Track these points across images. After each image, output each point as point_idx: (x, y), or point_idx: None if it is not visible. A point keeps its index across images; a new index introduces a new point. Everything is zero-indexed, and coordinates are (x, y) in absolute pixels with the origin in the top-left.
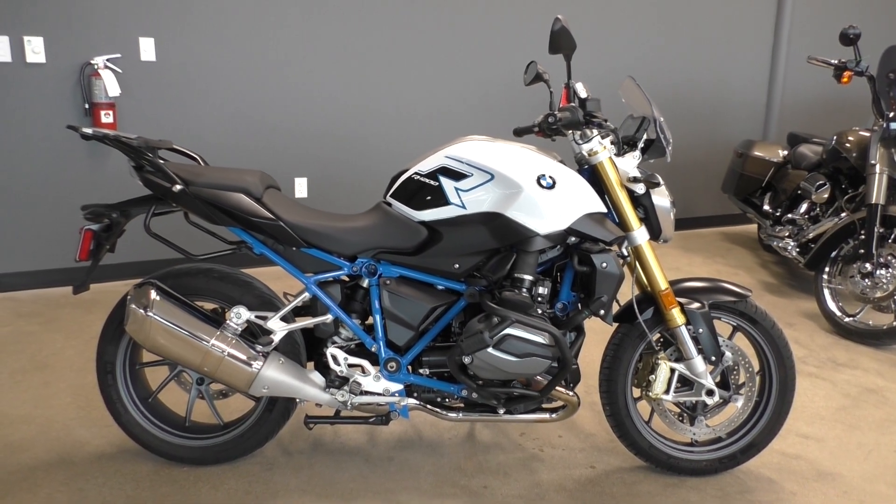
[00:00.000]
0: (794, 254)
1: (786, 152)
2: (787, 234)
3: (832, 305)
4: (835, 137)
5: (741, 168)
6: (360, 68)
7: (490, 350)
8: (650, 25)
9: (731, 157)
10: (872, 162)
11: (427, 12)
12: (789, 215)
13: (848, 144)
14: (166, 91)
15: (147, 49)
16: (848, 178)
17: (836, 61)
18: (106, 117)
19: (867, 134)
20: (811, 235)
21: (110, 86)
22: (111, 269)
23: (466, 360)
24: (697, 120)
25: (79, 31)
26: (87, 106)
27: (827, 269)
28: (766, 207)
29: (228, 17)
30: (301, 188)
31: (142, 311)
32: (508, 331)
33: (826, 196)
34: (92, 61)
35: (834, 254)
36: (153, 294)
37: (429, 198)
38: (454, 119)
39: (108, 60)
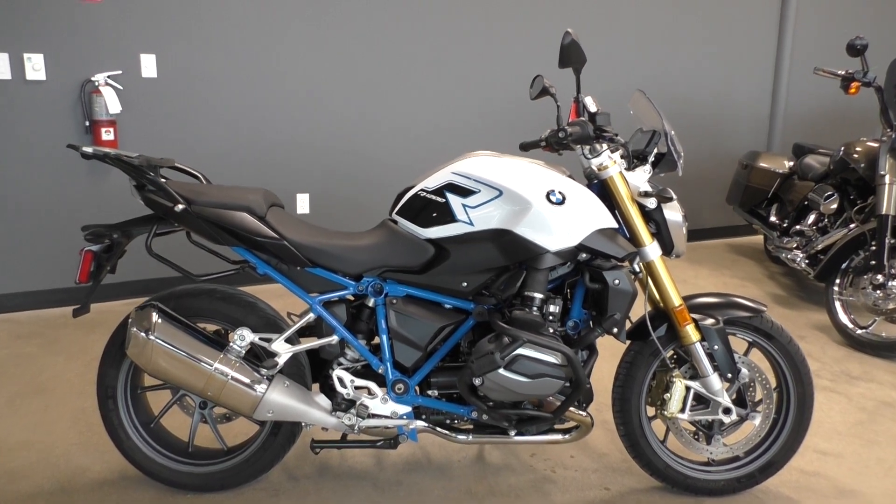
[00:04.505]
0: (804, 265)
1: (792, 163)
2: (795, 245)
3: (844, 317)
4: (842, 148)
5: (746, 179)
6: (363, 82)
7: (501, 371)
8: (652, 38)
9: (736, 169)
10: (882, 172)
11: (431, 26)
12: (797, 226)
13: (856, 155)
14: (168, 108)
15: (148, 65)
16: (856, 188)
17: (843, 72)
18: (107, 135)
19: (875, 144)
20: (820, 247)
21: (111, 103)
22: (112, 288)
23: (477, 381)
24: (701, 131)
25: (79, 47)
26: (87, 123)
27: (837, 281)
28: (773, 219)
29: (230, 33)
30: (303, 204)
31: (143, 334)
32: (520, 351)
33: (835, 207)
34: (93, 78)
35: (844, 265)
36: (155, 316)
37: (435, 215)
38: (459, 133)
39: (108, 77)
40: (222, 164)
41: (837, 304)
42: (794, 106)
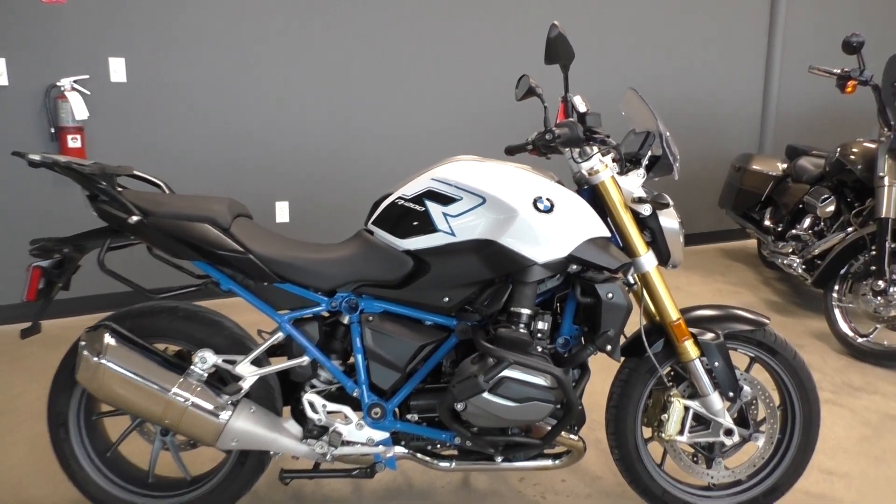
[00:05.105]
0: (800, 271)
1: (785, 165)
2: (790, 250)
3: (844, 326)
4: (838, 149)
5: (739, 182)
6: (345, 85)
7: (486, 395)
8: (643, 37)
9: (729, 172)
10: (881, 174)
11: (416, 26)
12: (793, 231)
13: (853, 156)
14: (138, 113)
15: (117, 69)
16: (853, 191)
17: (838, 71)
18: (73, 142)
19: (872, 145)
20: (817, 252)
21: (77, 109)
22: (79, 301)
23: (459, 406)
24: (692, 133)
25: (44, 51)
26: (53, 130)
27: (836, 287)
28: (767, 223)
29: (203, 35)
30: (282, 213)
31: (94, 357)
32: (505, 373)
33: (831, 210)
34: (58, 83)
35: (843, 271)
36: (107, 338)
37: (414, 224)
38: (446, 137)
39: (75, 82)
40: (197, 172)
41: (837, 312)
42: (787, 106)
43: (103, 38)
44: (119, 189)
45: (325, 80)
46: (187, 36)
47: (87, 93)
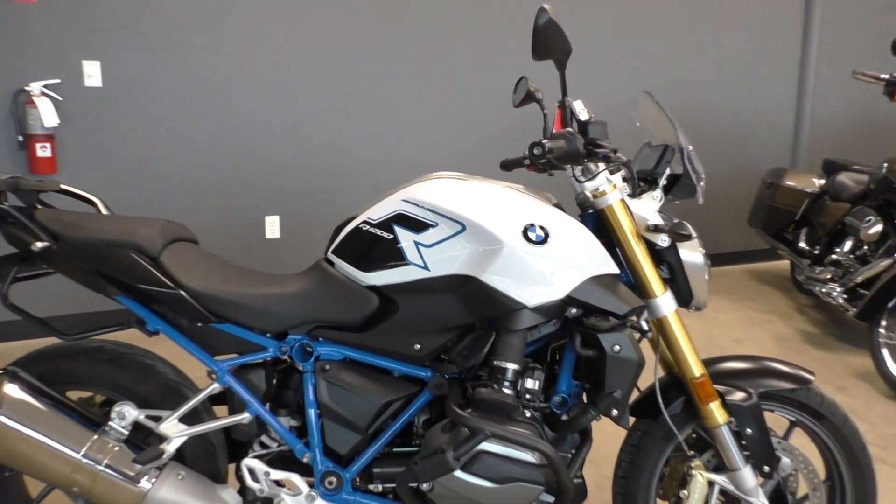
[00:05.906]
0: (841, 301)
1: (822, 182)
2: (829, 276)
3: (892, 366)
4: (885, 165)
5: (771, 199)
6: (338, 89)
7: (458, 474)
8: (667, 41)
9: (759, 187)
10: None
11: (409, 31)
12: (833, 256)
13: None
14: (114, 121)
15: (92, 73)
16: None
17: (886, 76)
18: (42, 151)
19: None
20: (860, 279)
21: (47, 115)
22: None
23: (424, 486)
24: (719, 145)
25: (12, 53)
26: (20, 138)
27: (883, 322)
28: (802, 245)
29: (187, 37)
30: (273, 228)
31: None
32: (483, 447)
33: (876, 232)
34: (27, 87)
35: (891, 303)
36: (6, 387)
37: (381, 255)
38: (446, 149)
39: (45, 87)
40: (179, 184)
41: (884, 350)
42: (823, 116)
43: (77, 39)
44: (37, 208)
45: (318, 85)
46: (169, 38)
47: (59, 98)
